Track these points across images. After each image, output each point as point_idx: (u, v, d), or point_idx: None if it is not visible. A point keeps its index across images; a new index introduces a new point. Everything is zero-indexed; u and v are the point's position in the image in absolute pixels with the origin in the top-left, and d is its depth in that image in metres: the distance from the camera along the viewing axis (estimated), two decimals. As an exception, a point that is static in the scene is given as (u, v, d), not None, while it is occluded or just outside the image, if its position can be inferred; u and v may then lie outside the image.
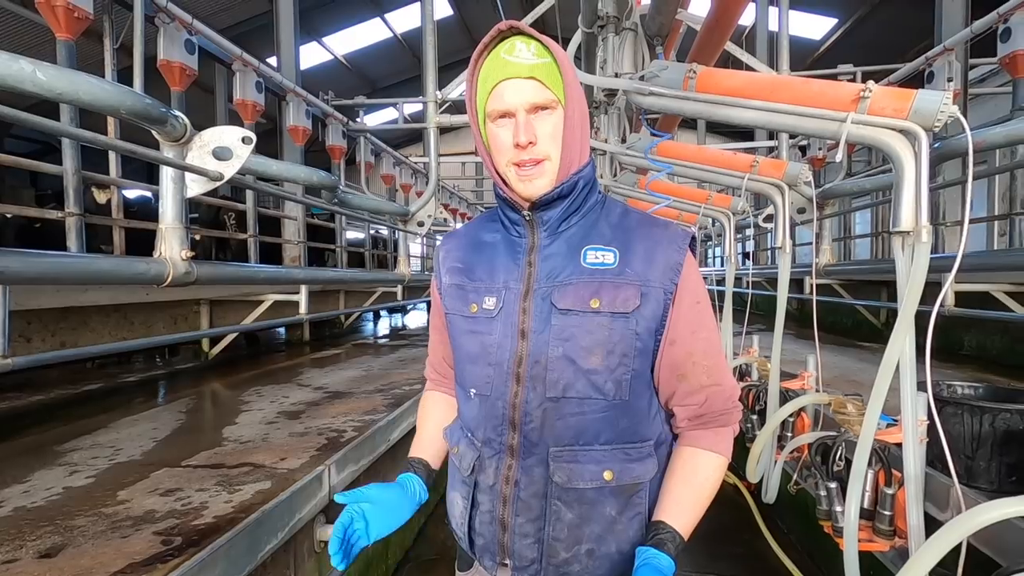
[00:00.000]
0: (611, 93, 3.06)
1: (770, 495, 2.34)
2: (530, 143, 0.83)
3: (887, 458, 1.63)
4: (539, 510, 0.88)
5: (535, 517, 0.88)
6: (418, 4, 9.86)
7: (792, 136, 5.05)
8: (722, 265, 6.16)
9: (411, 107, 11.90)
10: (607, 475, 0.86)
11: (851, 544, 1.43)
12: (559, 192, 0.87)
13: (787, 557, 2.85)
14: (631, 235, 0.89)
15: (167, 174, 2.10)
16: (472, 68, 0.87)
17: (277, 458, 2.03)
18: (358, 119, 5.70)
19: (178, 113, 1.91)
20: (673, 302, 0.87)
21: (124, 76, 2.49)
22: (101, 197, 3.55)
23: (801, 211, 2.75)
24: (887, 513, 1.59)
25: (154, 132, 1.90)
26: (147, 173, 9.49)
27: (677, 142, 2.95)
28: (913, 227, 1.29)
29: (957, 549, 1.06)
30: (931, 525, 1.30)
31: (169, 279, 2.21)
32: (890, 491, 1.58)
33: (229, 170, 2.00)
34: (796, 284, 6.42)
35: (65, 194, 2.50)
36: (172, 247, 2.22)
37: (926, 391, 1.39)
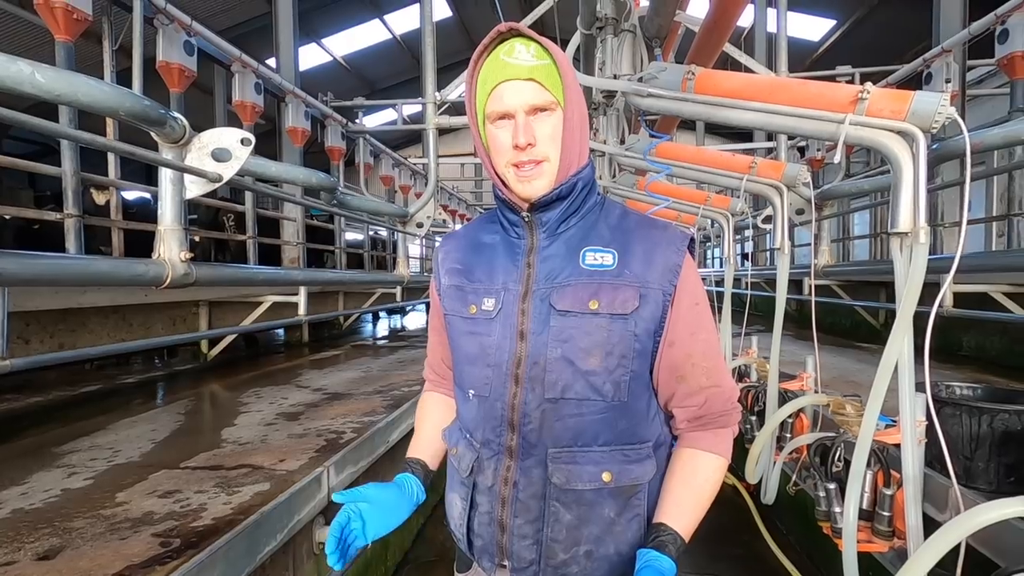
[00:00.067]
0: (610, 94, 3.06)
1: (769, 496, 2.34)
2: (529, 144, 0.83)
3: (886, 459, 1.63)
4: (538, 511, 0.88)
5: (534, 518, 0.88)
6: (417, 5, 9.86)
7: (791, 137, 5.06)
8: (721, 266, 6.16)
9: (410, 108, 11.93)
10: (606, 476, 0.86)
11: (850, 545, 1.43)
12: (558, 193, 0.87)
13: (786, 558, 2.85)
14: (630, 236, 0.90)
15: (166, 175, 2.11)
16: (472, 70, 0.87)
17: (276, 459, 2.03)
18: (357, 120, 5.72)
19: (177, 115, 1.92)
20: (672, 304, 0.87)
21: (123, 77, 2.50)
22: (100, 198, 3.54)
23: (800, 212, 2.76)
24: (886, 514, 1.59)
25: (153, 134, 1.91)
26: (146, 174, 9.50)
27: (676, 143, 2.96)
28: (911, 228, 1.29)
29: (956, 550, 1.06)
30: (930, 526, 1.30)
31: (168, 280, 2.21)
32: (889, 492, 1.58)
33: (228, 171, 2.00)
34: (795, 285, 6.43)
35: (64, 195, 2.50)
36: (171, 248, 2.22)
37: (925, 392, 1.40)
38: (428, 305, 2.28)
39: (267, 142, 4.76)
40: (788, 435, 2.35)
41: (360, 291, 6.70)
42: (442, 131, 4.62)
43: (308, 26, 10.15)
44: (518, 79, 0.82)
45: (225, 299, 4.57)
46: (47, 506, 1.62)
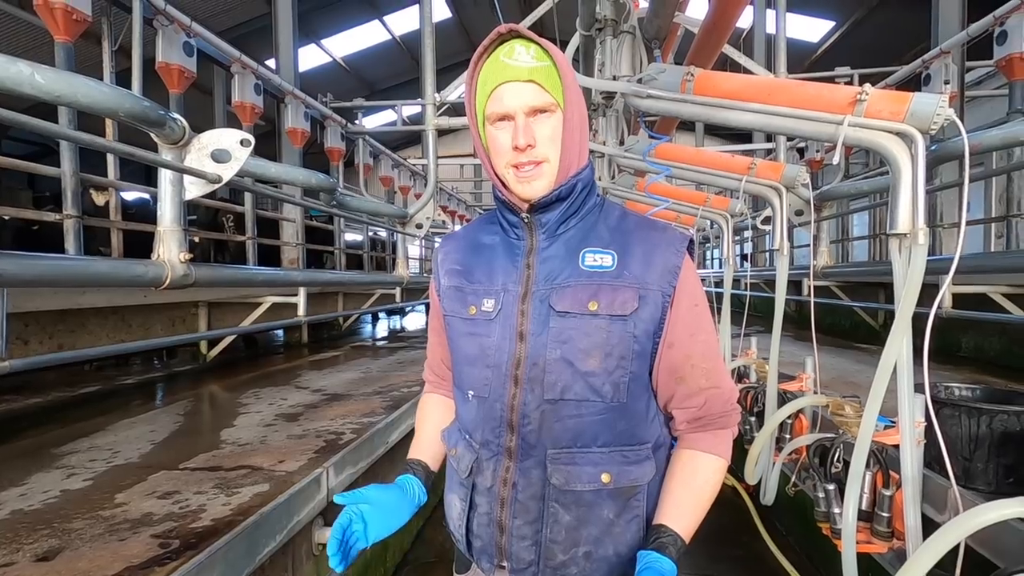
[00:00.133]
0: (609, 96, 3.07)
1: (768, 497, 2.34)
2: (529, 146, 0.83)
3: (885, 460, 1.63)
4: (537, 512, 0.88)
5: (533, 519, 0.88)
6: (417, 6, 9.87)
7: (790, 138, 5.07)
8: (720, 267, 6.17)
9: (410, 109, 11.92)
10: (605, 477, 0.86)
11: (849, 546, 1.43)
12: (558, 194, 0.88)
13: (786, 559, 2.86)
14: (629, 238, 0.90)
15: (165, 176, 2.11)
16: (471, 71, 0.87)
17: (275, 460, 2.03)
18: (357, 121, 5.72)
19: (176, 115, 1.92)
20: (671, 305, 0.87)
21: (122, 78, 2.50)
22: (99, 199, 3.54)
23: (799, 213, 2.75)
24: (885, 515, 1.59)
25: (152, 135, 1.90)
26: (145, 175, 9.50)
27: (675, 144, 2.96)
28: (910, 229, 1.29)
29: (955, 550, 1.06)
30: (929, 526, 1.30)
31: (167, 281, 2.21)
32: (888, 493, 1.58)
33: (227, 172, 2.00)
34: (794, 286, 6.43)
35: (63, 196, 2.50)
36: (170, 249, 2.22)
37: (924, 393, 1.40)
38: (427, 306, 2.29)
39: (266, 143, 4.76)
40: (787, 436, 2.35)
41: (359, 292, 6.70)
42: (441, 132, 4.62)
43: (308, 27, 10.15)
44: (518, 80, 0.82)
45: (224, 300, 4.57)
46: (46, 507, 1.62)
